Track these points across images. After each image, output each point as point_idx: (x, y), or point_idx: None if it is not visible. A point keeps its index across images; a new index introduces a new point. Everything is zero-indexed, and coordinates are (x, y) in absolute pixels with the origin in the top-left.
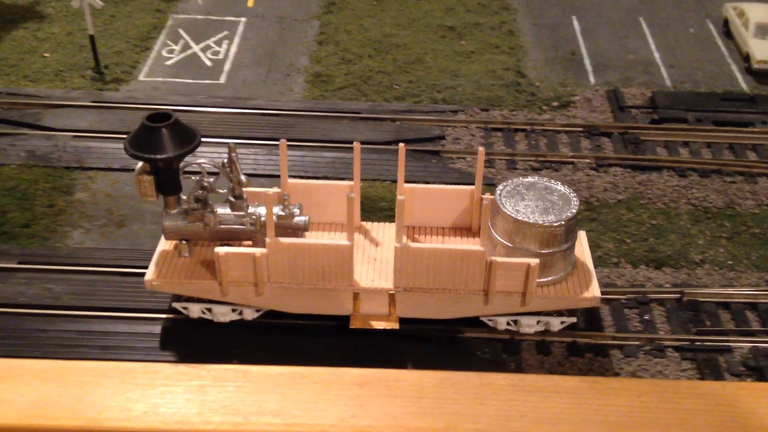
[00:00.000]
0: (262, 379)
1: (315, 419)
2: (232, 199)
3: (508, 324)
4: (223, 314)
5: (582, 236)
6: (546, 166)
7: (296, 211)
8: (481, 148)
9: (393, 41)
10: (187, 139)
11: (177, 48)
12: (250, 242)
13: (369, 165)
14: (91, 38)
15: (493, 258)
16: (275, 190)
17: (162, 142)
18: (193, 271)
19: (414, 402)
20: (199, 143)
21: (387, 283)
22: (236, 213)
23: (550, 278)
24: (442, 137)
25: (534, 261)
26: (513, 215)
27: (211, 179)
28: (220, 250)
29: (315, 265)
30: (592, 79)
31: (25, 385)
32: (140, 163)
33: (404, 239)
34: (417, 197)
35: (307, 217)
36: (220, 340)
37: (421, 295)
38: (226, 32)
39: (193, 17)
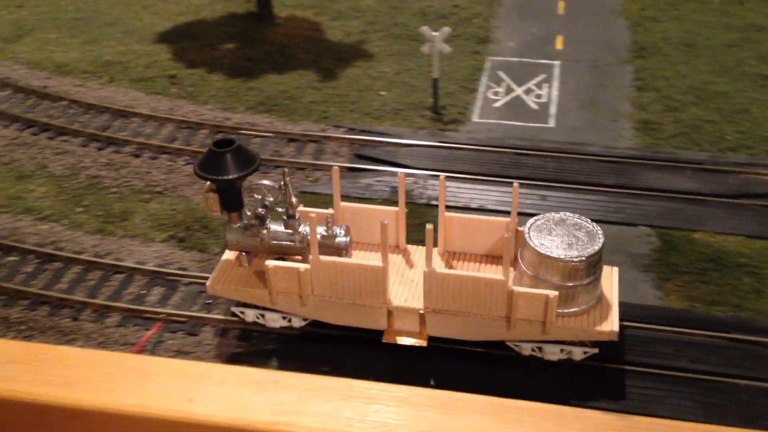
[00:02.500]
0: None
1: None
2: (285, 218)
3: (533, 350)
4: (274, 320)
5: (614, 272)
6: None
7: (340, 232)
8: (515, 183)
9: (713, 89)
10: (248, 162)
11: (501, 90)
12: (300, 257)
13: (719, 218)
14: (435, 81)
15: (515, 288)
16: (329, 211)
17: (226, 165)
18: (248, 280)
19: None
20: (259, 166)
21: (418, 303)
22: (287, 231)
23: (571, 310)
24: None
25: (553, 293)
26: (537, 249)
27: (272, 199)
28: (270, 263)
29: (352, 282)
30: None
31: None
32: (208, 183)
33: (432, 264)
34: (457, 226)
35: (347, 239)
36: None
37: (449, 317)
38: (543, 75)
39: (508, 59)
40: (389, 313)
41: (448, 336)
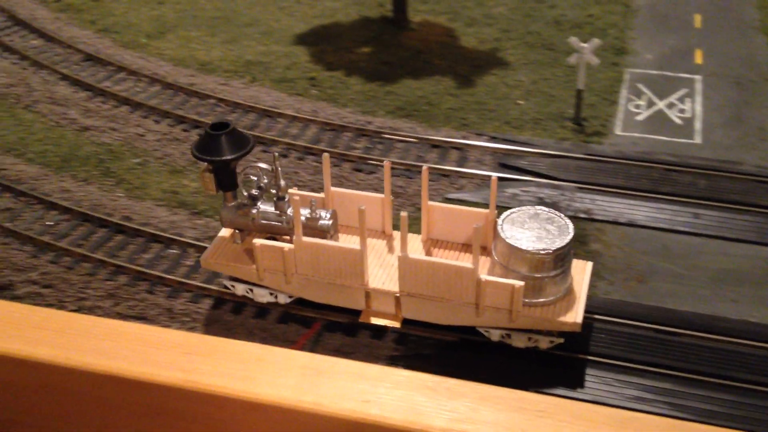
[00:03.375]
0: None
1: None
2: (275, 199)
3: (502, 337)
4: (261, 296)
5: (587, 266)
6: None
7: (324, 215)
8: (493, 177)
9: None
10: (242, 145)
11: (642, 103)
12: (288, 238)
13: None
14: (579, 92)
15: (483, 276)
16: (320, 196)
17: (221, 146)
18: (239, 257)
19: None
20: (252, 148)
21: (394, 286)
22: (276, 212)
23: (538, 300)
24: None
25: (519, 283)
26: (507, 240)
27: (267, 181)
28: (257, 241)
29: (332, 263)
30: None
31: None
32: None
33: (407, 250)
34: (439, 215)
35: (331, 222)
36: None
37: (422, 301)
38: (685, 90)
39: (648, 72)
40: (367, 295)
41: (421, 319)
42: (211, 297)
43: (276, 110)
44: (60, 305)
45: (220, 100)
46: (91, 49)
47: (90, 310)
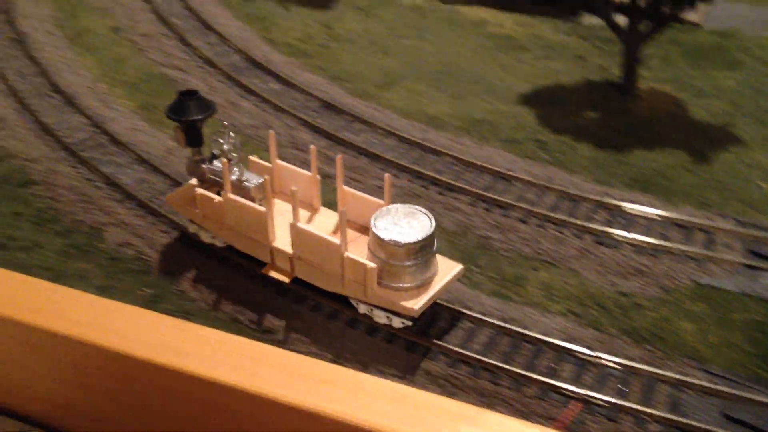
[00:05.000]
0: None
1: None
2: (224, 160)
3: (367, 311)
4: (204, 237)
5: (455, 268)
6: None
7: (252, 179)
8: (387, 175)
9: None
10: (206, 109)
11: None
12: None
13: None
14: None
15: (346, 253)
16: (266, 164)
17: (189, 109)
18: (191, 200)
19: None
20: (213, 113)
21: (290, 249)
22: (220, 170)
23: (393, 284)
24: None
25: (372, 265)
26: (374, 229)
27: (226, 146)
28: (198, 189)
29: (247, 219)
30: None
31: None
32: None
33: (298, 220)
34: (350, 200)
35: (254, 185)
36: None
37: (307, 265)
38: None
39: None
40: (271, 251)
41: (306, 280)
42: (467, 363)
43: (510, 173)
44: (320, 355)
45: (456, 158)
46: (326, 96)
47: (348, 363)
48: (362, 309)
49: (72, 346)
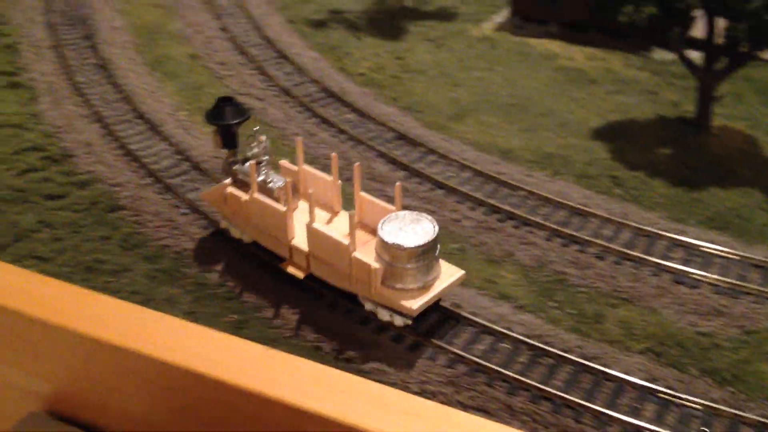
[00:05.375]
0: None
1: None
2: (251, 162)
3: (373, 308)
4: (234, 233)
5: (456, 273)
6: None
7: (273, 180)
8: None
9: None
10: (241, 114)
11: None
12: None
13: None
14: None
15: (354, 254)
16: (294, 168)
17: (225, 114)
18: (223, 198)
19: None
20: (247, 119)
21: (306, 247)
22: (248, 172)
23: (396, 285)
24: None
25: (375, 265)
26: (380, 233)
27: (256, 149)
28: (228, 188)
29: (269, 218)
30: None
31: None
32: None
33: (315, 221)
34: (367, 205)
35: (278, 186)
36: None
37: (321, 262)
38: None
39: None
40: (290, 249)
41: (320, 277)
42: (549, 400)
43: (585, 209)
44: (403, 386)
45: (530, 192)
46: (400, 127)
47: (432, 395)
48: (368, 306)
49: (163, 370)
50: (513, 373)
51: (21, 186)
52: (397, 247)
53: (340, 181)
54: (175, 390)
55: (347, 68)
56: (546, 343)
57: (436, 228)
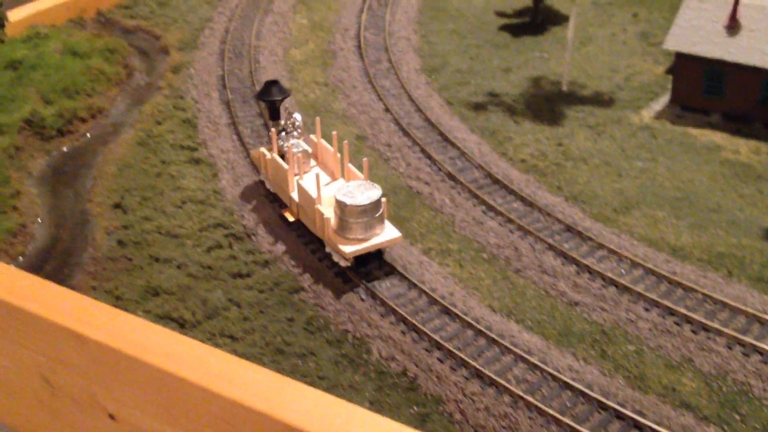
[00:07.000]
0: None
1: None
2: (273, 130)
3: (331, 251)
4: (267, 185)
5: (393, 234)
6: None
7: (297, 146)
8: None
9: None
10: (284, 93)
11: None
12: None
13: None
14: None
15: (317, 206)
16: (312, 137)
17: (271, 92)
18: (266, 162)
19: None
20: (287, 96)
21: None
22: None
23: (342, 234)
24: None
25: (327, 215)
26: (335, 193)
27: (285, 123)
28: (262, 149)
29: (279, 174)
30: None
31: None
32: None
33: (302, 179)
34: (352, 176)
35: (291, 151)
36: None
37: (304, 210)
38: None
39: None
40: (290, 199)
41: (306, 224)
42: None
43: (766, 316)
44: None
45: (705, 295)
46: (567, 219)
47: None
48: (327, 249)
49: None
50: None
51: (209, 263)
52: (343, 204)
53: (339, 154)
54: None
55: (509, 154)
56: None
57: (381, 197)
